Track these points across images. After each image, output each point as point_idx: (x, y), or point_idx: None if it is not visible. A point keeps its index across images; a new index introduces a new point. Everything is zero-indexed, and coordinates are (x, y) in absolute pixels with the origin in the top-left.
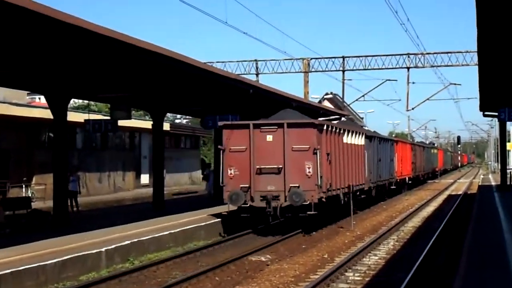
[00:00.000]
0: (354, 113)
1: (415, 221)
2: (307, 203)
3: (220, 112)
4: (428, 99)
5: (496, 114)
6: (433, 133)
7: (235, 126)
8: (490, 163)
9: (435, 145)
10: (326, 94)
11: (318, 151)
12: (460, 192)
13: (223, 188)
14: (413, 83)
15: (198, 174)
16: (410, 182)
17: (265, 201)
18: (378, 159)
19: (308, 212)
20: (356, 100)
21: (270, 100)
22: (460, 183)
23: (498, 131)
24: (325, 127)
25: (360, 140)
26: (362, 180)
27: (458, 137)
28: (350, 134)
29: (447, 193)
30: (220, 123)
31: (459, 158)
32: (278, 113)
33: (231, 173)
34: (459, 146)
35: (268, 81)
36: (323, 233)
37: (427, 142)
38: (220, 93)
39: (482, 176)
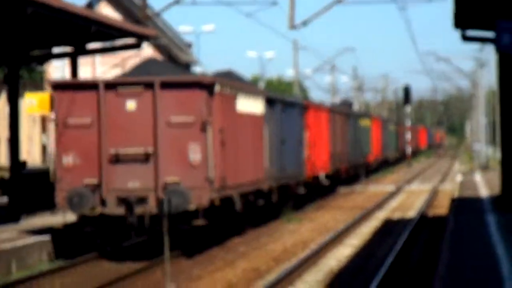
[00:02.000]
0: (170, 34)
1: None
2: (193, 208)
3: None
4: (339, 1)
5: (491, 35)
6: (350, 80)
7: (73, 86)
8: (477, 147)
9: (353, 106)
10: None
11: (208, 127)
12: (410, 215)
13: (55, 186)
14: None
15: None
16: (328, 184)
17: (124, 205)
18: (281, 139)
19: (195, 222)
20: (176, 1)
21: None
22: (411, 194)
23: (496, 74)
24: (216, 88)
25: (258, 107)
26: (261, 174)
27: (406, 89)
28: (245, 97)
29: (380, 216)
30: (51, 81)
31: (408, 136)
32: (138, 66)
33: (68, 162)
34: (407, 107)
35: None
36: None
37: (337, 101)
38: None
39: (459, 177)
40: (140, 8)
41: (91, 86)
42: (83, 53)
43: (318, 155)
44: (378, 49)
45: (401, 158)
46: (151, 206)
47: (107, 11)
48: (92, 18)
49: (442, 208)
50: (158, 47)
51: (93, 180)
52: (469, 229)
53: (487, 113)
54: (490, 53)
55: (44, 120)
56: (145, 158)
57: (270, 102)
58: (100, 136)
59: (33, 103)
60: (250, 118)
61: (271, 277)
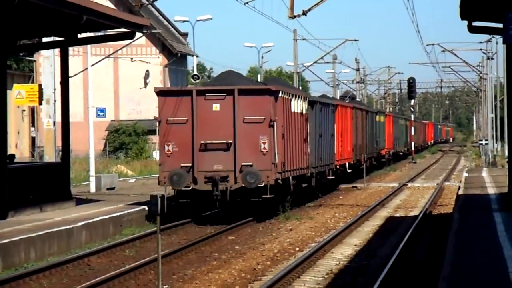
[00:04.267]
0: (165, 23)
1: None
2: (262, 184)
3: None
4: None
5: (498, 25)
6: (352, 71)
7: (173, 92)
8: (483, 142)
9: (355, 98)
10: None
11: (274, 123)
12: (414, 213)
13: (159, 168)
14: None
15: None
16: (350, 171)
17: (211, 183)
18: (319, 134)
19: (264, 196)
20: None
21: None
22: (415, 191)
23: (504, 67)
24: (280, 94)
25: (303, 108)
26: (306, 162)
27: (410, 82)
28: (296, 100)
29: (382, 214)
30: (155, 89)
31: (412, 130)
32: (219, 76)
33: (168, 150)
34: (411, 102)
35: None
36: None
37: (338, 93)
38: None
39: (466, 174)
40: None
41: (186, 92)
42: (74, 43)
43: (344, 147)
44: (382, 40)
45: (407, 154)
46: (231, 183)
47: (99, 0)
48: (84, 7)
49: (447, 206)
50: (152, 36)
51: (188, 164)
52: (474, 228)
53: (493, 106)
54: (498, 45)
55: (33, 113)
56: (227, 147)
57: (311, 103)
58: (193, 130)
59: (22, 95)
60: (299, 116)
61: (268, 278)
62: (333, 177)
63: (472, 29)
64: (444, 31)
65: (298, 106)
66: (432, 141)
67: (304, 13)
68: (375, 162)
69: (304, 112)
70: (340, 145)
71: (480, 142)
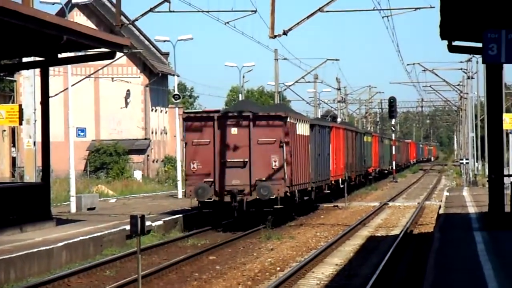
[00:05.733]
0: (146, 43)
1: None
2: (274, 196)
3: None
4: (320, 9)
5: (478, 45)
6: (333, 90)
7: (198, 118)
8: (464, 161)
9: (337, 119)
10: None
11: (284, 144)
12: (395, 232)
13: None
14: None
15: None
16: (342, 186)
17: (230, 195)
18: (318, 153)
19: (275, 206)
20: (151, 9)
21: None
22: (396, 209)
23: (484, 87)
24: (288, 119)
25: (306, 130)
26: (308, 178)
27: (391, 101)
28: (300, 123)
29: (364, 234)
30: (183, 114)
31: (393, 149)
32: (237, 104)
33: (194, 167)
34: (392, 122)
35: None
36: None
37: (319, 113)
38: None
39: (446, 193)
40: (114, 16)
41: (209, 117)
42: (54, 63)
43: (338, 165)
44: (362, 60)
45: (389, 172)
46: (247, 196)
47: (79, 20)
48: (64, 27)
49: (428, 225)
50: (133, 56)
51: (210, 179)
52: (455, 247)
53: (474, 125)
54: (478, 65)
55: (13, 133)
56: (243, 164)
57: (311, 126)
58: (215, 150)
59: (2, 115)
60: (303, 138)
61: None
62: (328, 191)
63: (452, 49)
64: (424, 50)
65: (302, 129)
66: (415, 160)
67: (285, 33)
68: (363, 179)
69: (306, 134)
70: (334, 163)
71: (461, 161)
